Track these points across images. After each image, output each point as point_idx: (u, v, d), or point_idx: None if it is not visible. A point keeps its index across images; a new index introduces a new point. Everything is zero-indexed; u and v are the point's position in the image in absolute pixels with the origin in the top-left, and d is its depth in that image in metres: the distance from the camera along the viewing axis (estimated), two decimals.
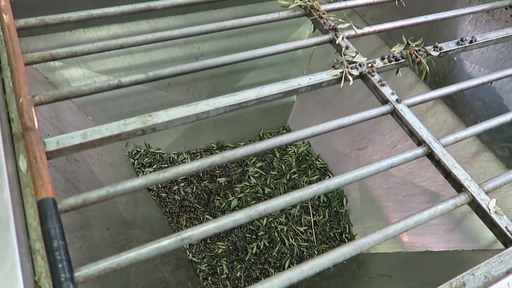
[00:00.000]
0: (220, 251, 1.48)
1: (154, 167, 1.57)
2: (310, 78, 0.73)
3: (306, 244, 1.52)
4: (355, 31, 0.84)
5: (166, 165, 1.59)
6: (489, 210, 0.61)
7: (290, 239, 1.52)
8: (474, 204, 0.63)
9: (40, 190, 0.50)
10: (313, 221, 1.56)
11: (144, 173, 1.52)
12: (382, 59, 0.80)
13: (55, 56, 0.69)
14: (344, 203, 1.62)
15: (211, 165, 0.59)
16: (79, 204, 0.53)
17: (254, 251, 1.48)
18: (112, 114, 1.43)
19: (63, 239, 0.48)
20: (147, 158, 1.56)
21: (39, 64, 0.72)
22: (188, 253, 1.46)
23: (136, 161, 1.54)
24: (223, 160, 0.60)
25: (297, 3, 0.86)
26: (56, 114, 1.20)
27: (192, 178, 1.61)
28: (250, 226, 1.53)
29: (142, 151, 1.57)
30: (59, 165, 1.09)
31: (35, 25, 0.74)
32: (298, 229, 1.54)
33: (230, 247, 1.49)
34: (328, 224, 1.58)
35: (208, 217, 1.51)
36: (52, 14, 0.76)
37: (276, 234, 1.52)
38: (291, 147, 1.76)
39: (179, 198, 1.54)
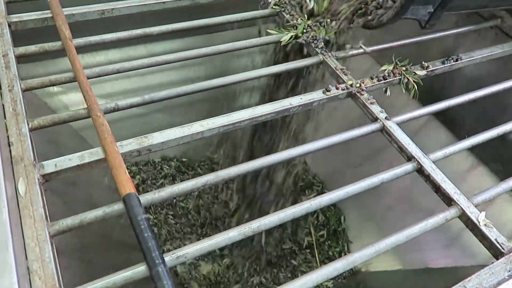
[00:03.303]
0: None
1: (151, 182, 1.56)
2: (301, 98, 0.75)
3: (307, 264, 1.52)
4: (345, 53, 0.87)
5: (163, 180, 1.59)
6: (479, 223, 0.62)
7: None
8: (464, 217, 0.64)
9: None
10: (314, 241, 1.55)
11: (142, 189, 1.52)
12: (371, 78, 0.82)
13: (54, 82, 0.72)
14: (342, 221, 1.63)
15: (205, 184, 0.61)
16: (77, 224, 0.55)
17: None
18: None
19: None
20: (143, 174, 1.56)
21: (38, 89, 0.75)
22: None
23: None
24: (217, 180, 0.61)
25: (287, 33, 0.89)
26: (54, 138, 1.22)
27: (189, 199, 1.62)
28: None
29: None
30: (57, 188, 1.10)
31: (35, 52, 0.77)
32: None
33: None
34: (327, 243, 1.57)
35: None
36: (52, 41, 0.78)
37: None
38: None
39: (179, 219, 1.54)
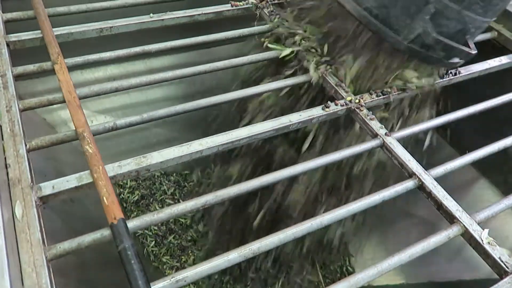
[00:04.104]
0: None
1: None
2: (300, 115, 0.75)
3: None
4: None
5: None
6: (482, 241, 0.61)
7: None
8: (467, 235, 0.63)
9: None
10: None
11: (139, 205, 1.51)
12: (370, 94, 0.82)
13: (52, 101, 0.71)
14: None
15: (205, 204, 0.60)
16: (74, 248, 0.54)
17: None
18: (109, 153, 1.45)
19: None
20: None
21: None
22: None
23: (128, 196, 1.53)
24: (217, 200, 0.61)
25: (289, 49, 0.89)
26: (53, 155, 1.21)
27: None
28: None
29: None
30: (55, 206, 1.09)
31: (33, 72, 0.77)
32: None
33: None
34: (328, 258, 1.56)
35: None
36: (49, 60, 0.78)
37: None
38: None
39: (178, 237, 1.53)
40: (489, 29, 1.10)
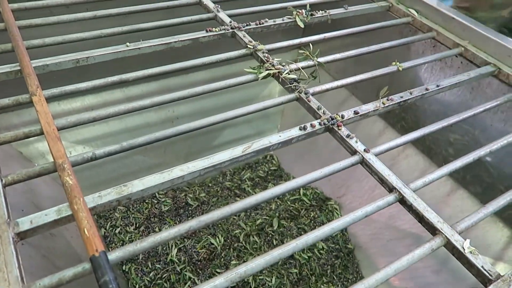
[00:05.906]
0: None
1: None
2: (280, 136, 0.76)
3: None
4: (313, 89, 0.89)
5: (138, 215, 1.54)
6: (464, 250, 0.62)
7: None
8: (449, 246, 0.64)
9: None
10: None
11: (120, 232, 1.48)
12: (349, 112, 0.84)
13: (28, 134, 0.70)
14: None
15: (188, 230, 0.60)
16: (54, 284, 0.52)
17: None
18: (89, 183, 1.42)
19: None
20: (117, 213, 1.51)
21: None
22: None
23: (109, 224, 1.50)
24: (200, 225, 0.60)
25: (265, 71, 0.91)
26: (30, 188, 1.18)
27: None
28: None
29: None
30: (33, 241, 1.06)
31: (8, 105, 0.76)
32: None
33: None
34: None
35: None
36: (26, 92, 0.77)
37: None
38: (274, 200, 1.76)
39: (166, 266, 1.49)
40: (456, 45, 1.15)
